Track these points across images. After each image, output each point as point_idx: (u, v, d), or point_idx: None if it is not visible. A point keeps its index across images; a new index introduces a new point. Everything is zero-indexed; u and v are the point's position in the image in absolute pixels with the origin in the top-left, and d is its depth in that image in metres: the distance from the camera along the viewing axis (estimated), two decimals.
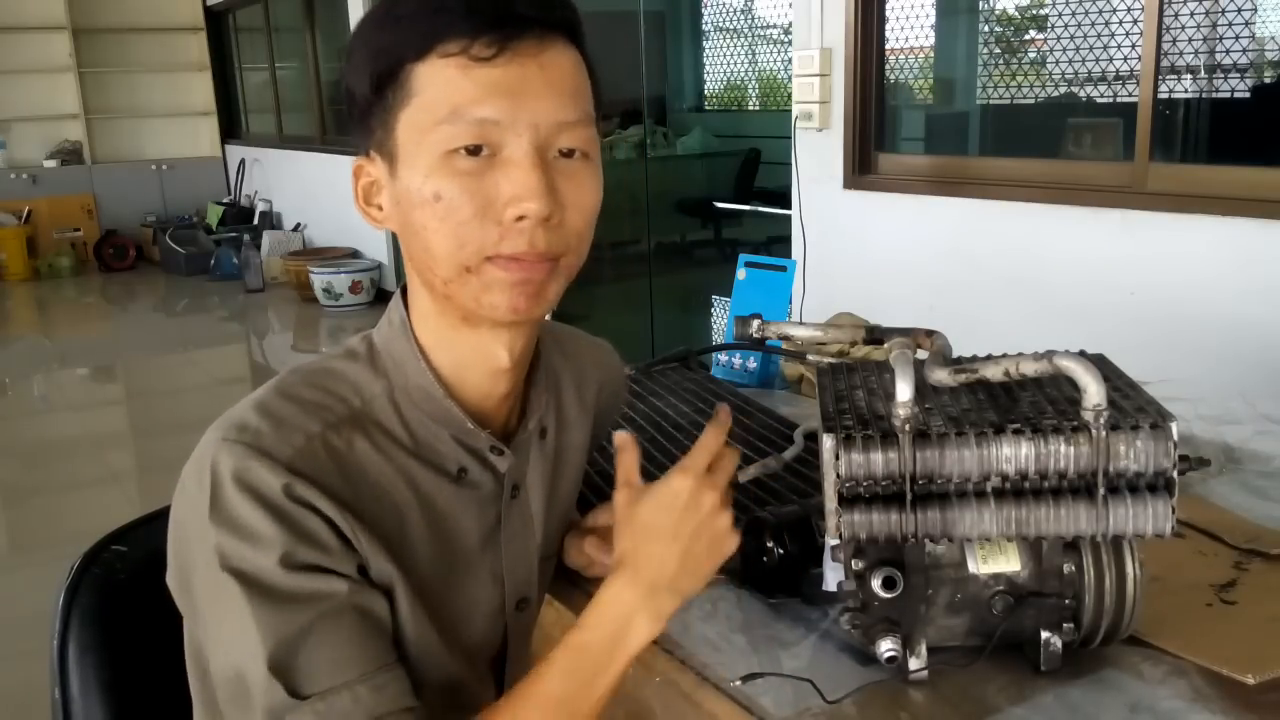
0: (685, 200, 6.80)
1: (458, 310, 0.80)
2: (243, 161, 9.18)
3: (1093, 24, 3.33)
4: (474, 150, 0.73)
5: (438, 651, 0.84)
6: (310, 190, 7.92)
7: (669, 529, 0.79)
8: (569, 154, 0.77)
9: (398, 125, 0.75)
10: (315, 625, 0.72)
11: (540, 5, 0.75)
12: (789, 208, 3.69)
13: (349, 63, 0.78)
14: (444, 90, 0.73)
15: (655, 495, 0.80)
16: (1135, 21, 2.98)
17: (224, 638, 0.73)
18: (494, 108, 0.73)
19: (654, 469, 1.32)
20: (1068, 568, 0.84)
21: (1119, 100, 3.17)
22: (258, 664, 0.71)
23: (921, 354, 0.89)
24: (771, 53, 7.49)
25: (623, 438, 0.84)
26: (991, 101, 4.03)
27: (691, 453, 0.81)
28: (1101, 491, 0.78)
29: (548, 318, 0.86)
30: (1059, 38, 3.70)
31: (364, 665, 0.73)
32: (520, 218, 0.74)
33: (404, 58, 0.74)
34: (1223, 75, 3.33)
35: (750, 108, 7.92)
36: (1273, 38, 3.77)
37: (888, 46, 3.41)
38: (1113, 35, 3.19)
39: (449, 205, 0.74)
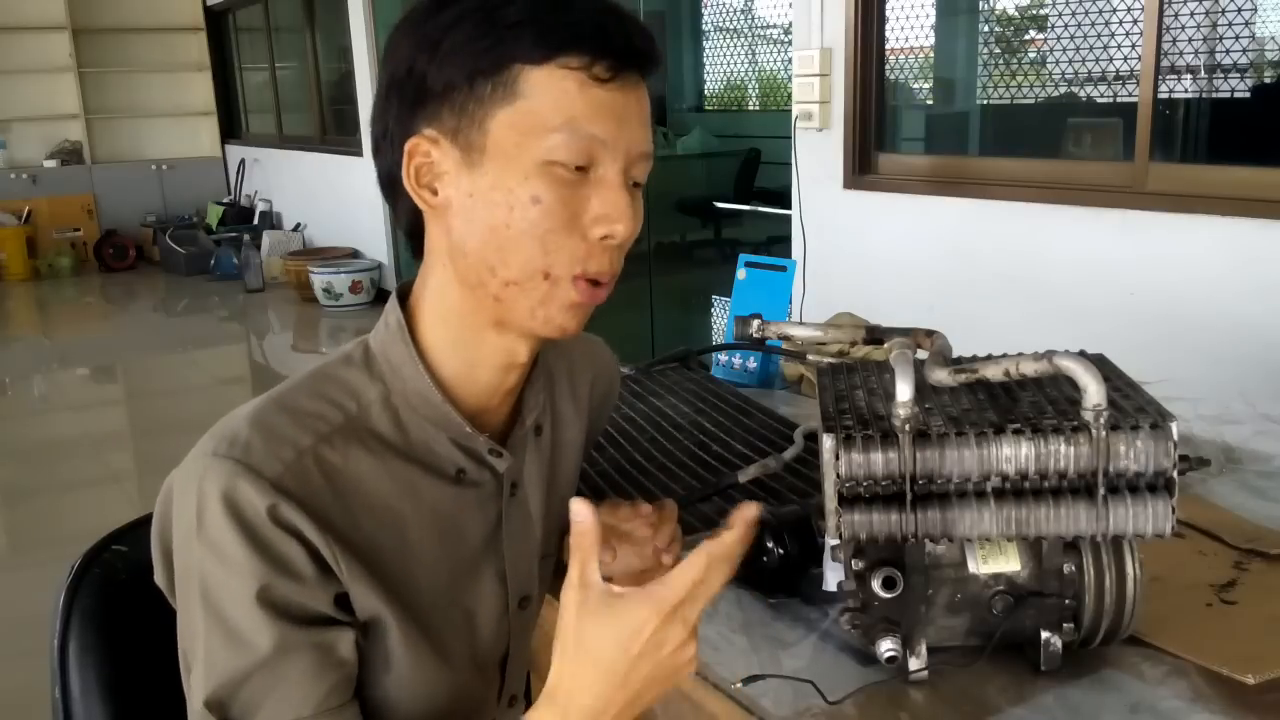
0: (685, 200, 6.80)
1: (498, 313, 0.80)
2: (243, 161, 9.18)
3: (1093, 24, 3.33)
4: (582, 166, 0.76)
5: (445, 663, 0.84)
6: (310, 190, 7.92)
7: (619, 669, 0.69)
8: (636, 184, 0.80)
9: (492, 121, 0.75)
10: (267, 662, 0.73)
11: (650, 42, 0.78)
12: (789, 208, 3.69)
13: (421, 44, 0.76)
14: (559, 100, 0.74)
15: (611, 621, 0.69)
16: (1135, 21, 2.98)
17: (194, 661, 0.76)
18: (603, 128, 0.75)
19: (653, 469, 1.32)
20: (1068, 568, 0.84)
21: (1119, 100, 3.17)
22: (198, 695, 0.73)
23: (921, 354, 0.89)
24: (771, 53, 7.49)
25: (580, 510, 0.71)
26: (991, 101, 4.03)
27: (668, 580, 0.69)
28: (1101, 491, 0.78)
29: None
30: (1059, 38, 3.71)
31: (303, 708, 0.74)
32: (605, 237, 0.77)
33: (517, 58, 0.74)
34: (1223, 75, 3.33)
35: (750, 108, 7.93)
36: (1273, 38, 3.77)
37: (888, 46, 3.41)
38: (1113, 35, 3.19)
39: (545, 210, 0.75)
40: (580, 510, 0.71)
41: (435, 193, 0.79)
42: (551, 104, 0.74)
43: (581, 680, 0.69)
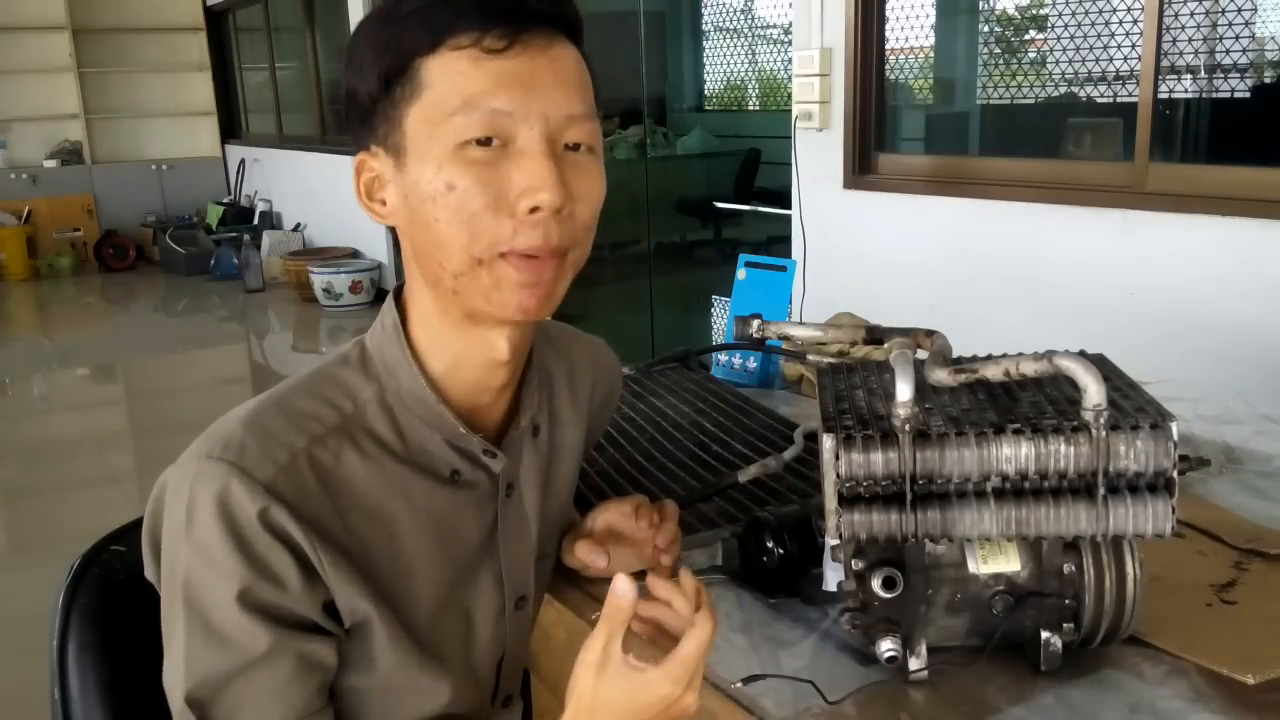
0: (685, 200, 6.81)
1: (463, 308, 0.80)
2: (243, 161, 9.18)
3: (1093, 24, 3.33)
4: (486, 141, 0.74)
5: (439, 665, 0.84)
6: (310, 190, 7.92)
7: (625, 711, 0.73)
8: (575, 148, 0.77)
9: (406, 120, 0.75)
10: (249, 667, 0.74)
11: (549, 1, 0.76)
12: (789, 208, 3.69)
13: (350, 61, 0.78)
14: (456, 82, 0.74)
15: (627, 688, 0.73)
16: (1135, 21, 2.98)
17: (168, 651, 0.76)
18: (506, 99, 0.74)
19: (653, 469, 1.32)
20: (1068, 568, 0.84)
21: (1119, 100, 3.17)
22: (178, 694, 0.74)
23: (921, 354, 0.89)
24: (771, 53, 7.49)
25: (622, 586, 0.73)
26: (991, 101, 4.03)
27: (682, 656, 0.73)
28: (1101, 491, 0.78)
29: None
30: (1059, 38, 3.71)
31: (286, 713, 0.75)
32: (534, 209, 0.75)
33: (414, 52, 0.74)
34: (1223, 75, 3.33)
35: (750, 108, 7.93)
36: (1273, 38, 3.77)
37: (888, 46, 3.41)
38: (1113, 35, 3.19)
39: (462, 196, 0.74)
40: (622, 586, 0.73)
41: (384, 203, 0.80)
42: (450, 87, 0.74)
43: None
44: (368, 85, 0.77)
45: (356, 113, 0.79)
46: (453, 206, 0.74)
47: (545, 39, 0.75)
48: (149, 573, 0.80)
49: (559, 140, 0.76)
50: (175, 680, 0.75)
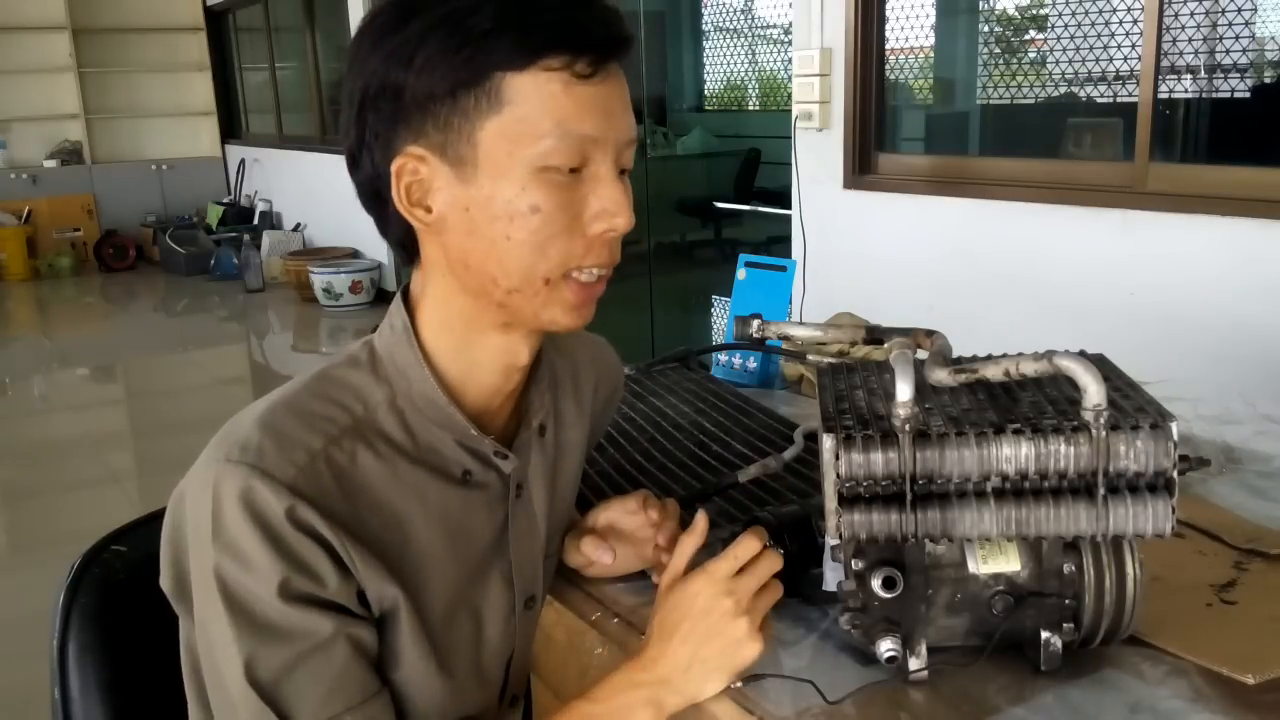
0: (685, 200, 6.80)
1: (504, 317, 0.80)
2: (243, 161, 9.18)
3: (1093, 24, 3.33)
4: (576, 168, 0.75)
5: (449, 664, 0.84)
6: (310, 190, 7.92)
7: (682, 631, 0.82)
8: (623, 171, 0.79)
9: (480, 133, 0.74)
10: (305, 657, 0.73)
11: (623, 28, 0.77)
12: (789, 208, 3.69)
13: (395, 59, 0.74)
14: (546, 104, 0.73)
15: (677, 593, 0.83)
16: (1135, 21, 2.98)
17: (218, 659, 0.75)
18: (593, 125, 0.75)
19: (653, 469, 1.32)
20: (1068, 568, 0.84)
21: (1119, 100, 3.17)
22: (248, 695, 0.73)
23: (921, 354, 0.89)
24: (771, 53, 7.49)
25: (701, 521, 0.88)
26: (991, 101, 4.03)
27: (719, 556, 0.83)
28: (1101, 491, 0.78)
29: None
30: (1059, 38, 3.71)
31: (351, 697, 0.75)
32: (607, 231, 0.77)
33: (499, 66, 0.73)
34: (1223, 75, 3.33)
35: (750, 108, 7.93)
36: (1273, 38, 3.77)
37: (888, 46, 3.41)
38: (1113, 35, 3.19)
39: (545, 219, 0.75)
40: (701, 522, 0.88)
41: (429, 210, 0.78)
42: (539, 108, 0.73)
43: (658, 638, 0.83)
44: (430, 87, 0.74)
45: (392, 110, 0.75)
46: (532, 228, 0.75)
47: (618, 65, 0.77)
48: (164, 583, 0.80)
49: (620, 164, 0.78)
50: (235, 682, 0.73)
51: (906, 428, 0.78)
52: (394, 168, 0.77)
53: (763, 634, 0.83)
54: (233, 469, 0.73)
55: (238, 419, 0.78)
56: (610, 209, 0.76)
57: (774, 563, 0.85)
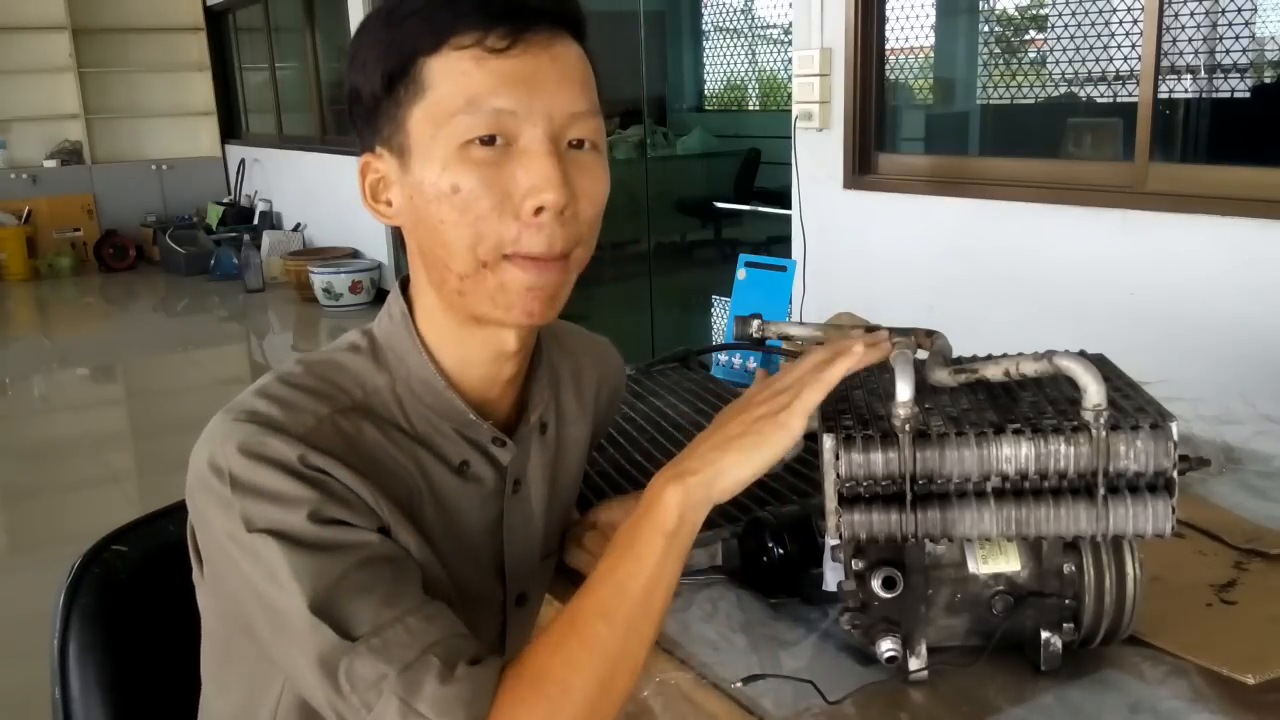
0: (685, 200, 6.81)
1: (468, 311, 0.80)
2: (243, 161, 9.18)
3: (1093, 24, 3.33)
4: (489, 140, 0.74)
5: None
6: (310, 190, 7.92)
7: (718, 423, 0.80)
8: (579, 145, 0.77)
9: (410, 120, 0.75)
10: (353, 571, 0.71)
11: (550, 0, 0.76)
12: (789, 208, 3.69)
13: (353, 62, 0.78)
14: (459, 82, 0.74)
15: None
16: (1135, 21, 2.98)
17: (269, 597, 0.72)
18: (509, 98, 0.73)
19: (653, 468, 1.32)
20: (1068, 568, 0.84)
21: (1119, 100, 3.17)
22: (301, 611, 0.70)
23: (921, 354, 0.89)
24: (771, 53, 7.49)
25: (881, 336, 0.83)
26: (991, 101, 4.03)
27: (794, 365, 0.82)
28: (1101, 491, 0.78)
29: None
30: (1059, 38, 3.71)
31: (408, 602, 0.72)
32: (539, 209, 0.75)
33: (417, 52, 0.74)
34: (1223, 75, 3.33)
35: (750, 108, 7.93)
36: (1273, 38, 3.77)
37: (888, 46, 3.41)
38: (1113, 35, 3.19)
39: (467, 197, 0.74)
40: (882, 337, 0.83)
41: (390, 204, 0.80)
42: (453, 88, 0.74)
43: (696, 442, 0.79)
44: (371, 85, 0.77)
45: (360, 113, 0.79)
46: (458, 207, 0.74)
47: (547, 37, 0.75)
48: (191, 549, 0.80)
49: (563, 138, 0.76)
50: (287, 603, 0.70)
51: (906, 428, 0.78)
52: (359, 166, 0.80)
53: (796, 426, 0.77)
54: (240, 427, 0.73)
55: (240, 397, 0.78)
56: (538, 184, 0.74)
57: (820, 355, 0.80)
